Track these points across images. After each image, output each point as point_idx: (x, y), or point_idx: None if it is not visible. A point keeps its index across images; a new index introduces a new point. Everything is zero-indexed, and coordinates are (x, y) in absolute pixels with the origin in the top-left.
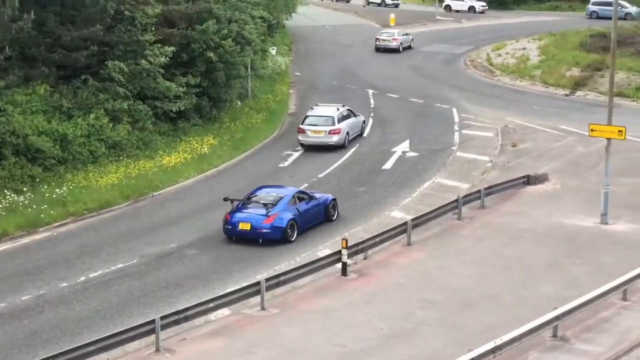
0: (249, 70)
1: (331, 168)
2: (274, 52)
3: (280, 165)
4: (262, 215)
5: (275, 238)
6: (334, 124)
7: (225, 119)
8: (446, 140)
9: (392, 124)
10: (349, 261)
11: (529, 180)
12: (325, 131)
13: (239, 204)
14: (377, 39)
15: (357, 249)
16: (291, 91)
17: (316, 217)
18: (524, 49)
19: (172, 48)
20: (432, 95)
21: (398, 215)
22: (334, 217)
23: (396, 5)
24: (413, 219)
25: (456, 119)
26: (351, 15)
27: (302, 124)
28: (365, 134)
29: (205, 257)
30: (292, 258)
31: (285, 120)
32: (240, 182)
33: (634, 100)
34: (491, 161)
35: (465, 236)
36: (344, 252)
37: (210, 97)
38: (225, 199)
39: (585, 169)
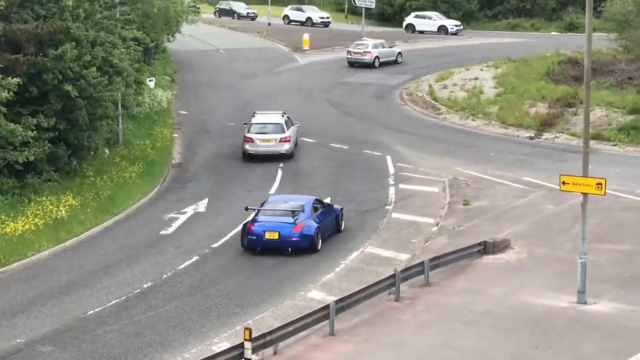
0: (120, 108)
1: (229, 236)
2: (152, 84)
3: (162, 232)
4: (290, 223)
5: (304, 247)
6: (284, 131)
7: (88, 172)
8: (378, 197)
9: (308, 178)
10: (253, 357)
11: (486, 248)
12: (276, 139)
13: (257, 213)
14: (348, 51)
15: (265, 341)
16: (175, 135)
17: (330, 227)
18: (476, 79)
19: (17, 79)
20: (359, 139)
21: (317, 296)
22: (342, 228)
23: (326, 25)
24: (337, 301)
25: (391, 170)
26: (253, 36)
27: (248, 132)
28: (272, 190)
29: (64, 356)
30: (179, 354)
31: (168, 173)
32: (110, 257)
33: (615, 144)
34: (437, 224)
35: (405, 322)
36: (248, 345)
37: (68, 144)
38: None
39: (556, 233)
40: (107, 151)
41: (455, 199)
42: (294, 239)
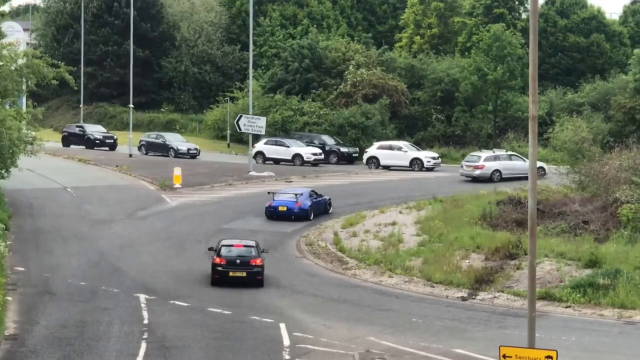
0: None
1: None
2: None
3: None
4: (294, 201)
5: (302, 215)
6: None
7: None
8: None
9: (180, 352)
10: None
11: None
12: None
13: (275, 195)
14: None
15: None
16: (9, 299)
17: (321, 208)
18: (393, 224)
19: None
20: (245, 301)
21: None
22: (330, 211)
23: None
24: None
25: (286, 342)
26: (110, 170)
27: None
28: None
29: None
30: None
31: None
32: None
33: (568, 306)
34: None
35: None
36: None
37: None
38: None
39: None
40: None
41: None
42: (295, 210)
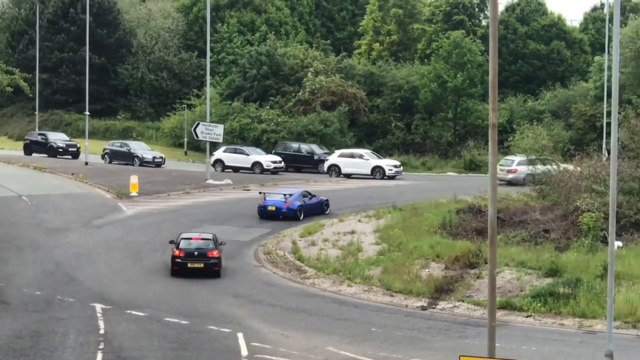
0: None
1: None
2: None
3: None
4: (282, 201)
5: (290, 215)
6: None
7: None
8: None
9: None
10: None
11: None
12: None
13: (266, 195)
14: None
15: None
16: None
17: (316, 209)
18: (352, 232)
19: None
20: (202, 311)
21: None
22: (327, 212)
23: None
24: None
25: (244, 352)
26: (66, 179)
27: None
28: None
29: None
30: None
31: None
32: None
33: (529, 315)
34: None
35: None
36: None
37: None
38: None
39: None
40: None
41: None
42: (283, 210)
